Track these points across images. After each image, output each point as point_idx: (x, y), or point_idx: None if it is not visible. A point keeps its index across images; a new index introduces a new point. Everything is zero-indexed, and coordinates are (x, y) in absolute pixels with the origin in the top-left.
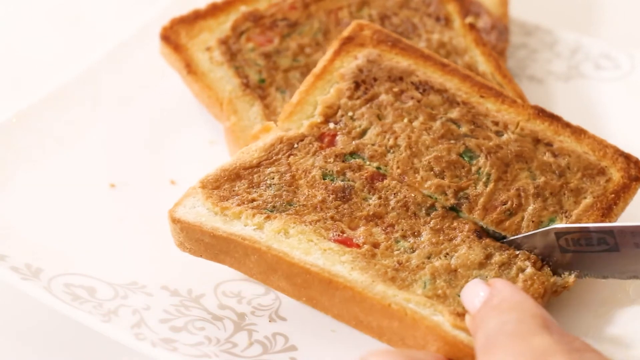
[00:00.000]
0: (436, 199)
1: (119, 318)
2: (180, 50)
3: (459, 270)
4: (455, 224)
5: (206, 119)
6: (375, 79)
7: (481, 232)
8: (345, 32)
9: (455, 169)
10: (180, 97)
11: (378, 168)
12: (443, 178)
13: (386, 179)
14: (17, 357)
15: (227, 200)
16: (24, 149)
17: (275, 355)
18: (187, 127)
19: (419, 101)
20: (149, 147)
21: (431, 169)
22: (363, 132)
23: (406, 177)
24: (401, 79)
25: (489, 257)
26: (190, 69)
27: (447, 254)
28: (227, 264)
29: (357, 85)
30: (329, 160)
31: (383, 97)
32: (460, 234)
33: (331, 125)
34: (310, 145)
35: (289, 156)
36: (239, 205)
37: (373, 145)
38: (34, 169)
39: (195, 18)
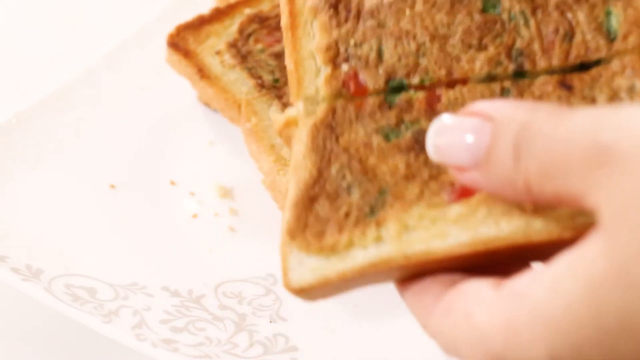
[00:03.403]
0: (496, 75)
1: (120, 319)
2: (190, 56)
3: None
4: (536, 91)
5: (206, 120)
6: None
7: (565, 79)
8: None
9: (490, 30)
10: (181, 98)
11: (422, 82)
12: (486, 48)
13: (441, 96)
14: (18, 358)
15: (324, 235)
16: (24, 150)
17: (276, 355)
18: (187, 128)
19: None
20: (149, 147)
21: (469, 46)
22: (379, 53)
23: (454, 73)
24: None
25: (593, 100)
26: (203, 73)
27: None
28: (361, 287)
29: (335, 8)
30: (376, 117)
31: (369, 3)
32: (550, 98)
33: (344, 67)
34: (347, 113)
35: (337, 142)
36: (339, 232)
37: (399, 60)
38: (34, 170)
39: (200, 23)
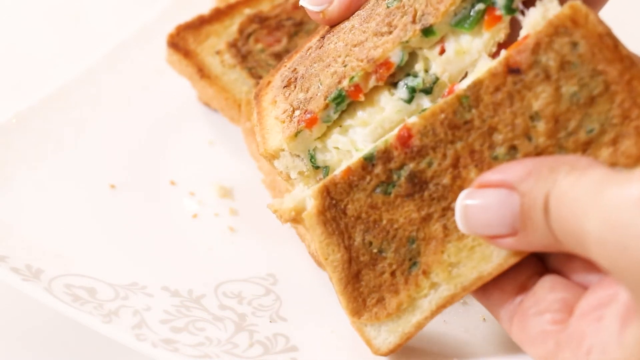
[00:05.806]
0: (408, 41)
1: (120, 319)
2: (190, 56)
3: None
4: (490, 87)
5: (206, 120)
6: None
7: (508, 62)
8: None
9: (395, 16)
10: (180, 98)
11: (352, 79)
12: (396, 28)
13: (411, 130)
14: (18, 358)
15: (384, 300)
16: (24, 150)
17: (276, 355)
18: (187, 128)
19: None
20: (149, 147)
21: (382, 34)
22: (319, 86)
23: (374, 57)
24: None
25: (547, 75)
26: (203, 73)
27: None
28: None
29: (288, 87)
30: (366, 179)
31: (309, 61)
32: (507, 88)
33: (297, 113)
34: (339, 187)
35: (346, 214)
36: (396, 293)
37: (332, 78)
38: (34, 170)
39: (200, 23)
